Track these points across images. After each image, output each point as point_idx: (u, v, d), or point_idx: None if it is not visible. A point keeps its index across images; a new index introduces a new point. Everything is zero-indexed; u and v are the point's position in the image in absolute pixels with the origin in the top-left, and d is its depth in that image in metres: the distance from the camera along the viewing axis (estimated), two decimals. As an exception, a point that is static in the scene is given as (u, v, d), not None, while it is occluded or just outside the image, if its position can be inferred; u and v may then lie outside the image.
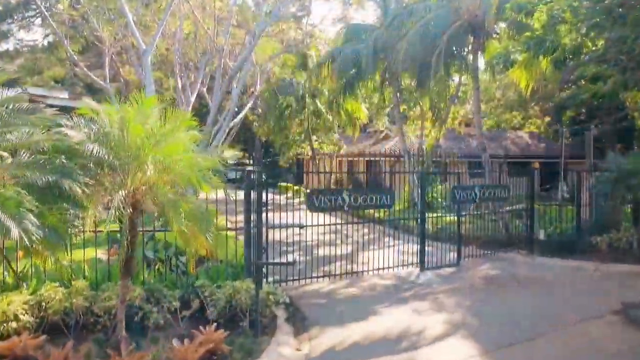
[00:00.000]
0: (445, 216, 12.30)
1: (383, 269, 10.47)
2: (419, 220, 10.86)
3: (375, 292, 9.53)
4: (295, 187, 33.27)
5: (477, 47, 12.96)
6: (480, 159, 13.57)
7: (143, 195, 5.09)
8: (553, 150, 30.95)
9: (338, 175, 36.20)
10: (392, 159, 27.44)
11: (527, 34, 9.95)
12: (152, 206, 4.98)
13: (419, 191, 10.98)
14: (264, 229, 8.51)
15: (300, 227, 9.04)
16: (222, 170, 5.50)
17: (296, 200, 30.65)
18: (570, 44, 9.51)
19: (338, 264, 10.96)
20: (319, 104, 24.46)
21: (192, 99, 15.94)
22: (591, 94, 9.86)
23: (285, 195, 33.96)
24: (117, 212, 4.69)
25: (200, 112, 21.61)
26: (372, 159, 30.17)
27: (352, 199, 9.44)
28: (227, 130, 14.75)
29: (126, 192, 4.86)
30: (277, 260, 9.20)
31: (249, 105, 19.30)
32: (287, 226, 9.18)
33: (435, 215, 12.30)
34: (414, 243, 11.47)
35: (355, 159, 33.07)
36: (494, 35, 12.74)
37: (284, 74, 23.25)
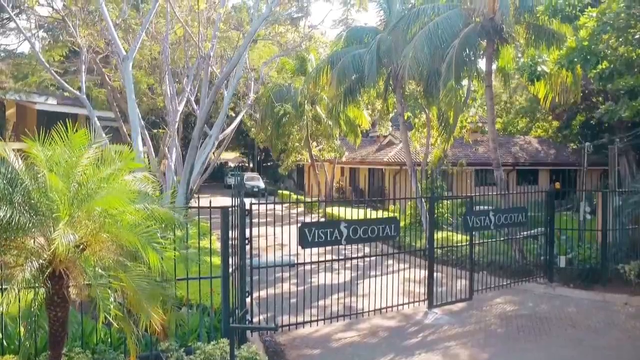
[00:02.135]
0: (455, 246, 11.00)
1: (386, 308, 9.21)
2: (426, 251, 9.59)
3: (376, 339, 8.29)
4: (295, 197, 32.12)
5: (490, 52, 11.68)
6: (490, 167, 12.46)
7: (71, 262, 3.86)
8: (563, 157, 29.67)
9: (340, 182, 35.07)
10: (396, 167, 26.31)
11: (570, 43, 8.59)
12: (81, 281, 3.75)
13: (427, 216, 9.72)
14: (247, 269, 7.30)
15: (291, 265, 7.82)
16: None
17: (294, 211, 29.55)
18: (625, 55, 8.17)
19: (335, 296, 9.76)
20: (319, 109, 23.22)
21: (180, 108, 14.74)
22: (634, 112, 8.62)
23: (283, 206, 32.92)
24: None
25: (190, 121, 20.44)
26: (374, 167, 28.95)
27: (350, 231, 8.20)
28: (215, 143, 13.52)
29: (43, 261, 3.62)
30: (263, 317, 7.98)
31: (242, 113, 18.03)
32: (275, 266, 7.95)
33: (444, 246, 11.00)
34: (420, 268, 10.20)
35: (357, 166, 31.86)
36: (510, 40, 11.48)
37: (281, 78, 22.02)
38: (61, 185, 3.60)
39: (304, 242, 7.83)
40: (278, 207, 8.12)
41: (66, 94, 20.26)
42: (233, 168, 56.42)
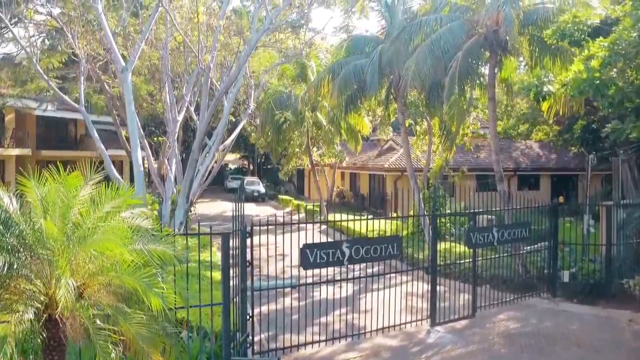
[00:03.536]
0: (458, 263, 10.86)
1: (388, 328, 9.08)
2: (429, 269, 9.47)
3: (379, 360, 8.17)
4: (296, 202, 31.98)
5: (494, 64, 11.55)
6: (491, 172, 12.32)
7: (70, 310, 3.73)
8: (564, 162, 29.56)
9: (341, 187, 34.93)
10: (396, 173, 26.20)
11: (577, 65, 8.40)
12: (78, 326, 3.62)
13: (430, 237, 9.59)
14: (248, 293, 7.18)
15: (293, 287, 7.71)
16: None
17: (296, 217, 29.41)
18: (636, 82, 8.00)
19: (337, 312, 9.65)
20: (319, 116, 23.09)
21: (180, 118, 14.60)
22: None
23: (284, 211, 32.80)
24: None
25: (190, 126, 20.29)
26: (375, 173, 28.83)
27: (352, 251, 8.09)
28: (215, 155, 13.39)
29: (40, 305, 3.51)
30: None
31: (243, 123, 17.90)
32: (276, 288, 7.83)
33: (447, 264, 10.86)
34: (422, 281, 10.06)
35: (358, 171, 31.74)
36: (513, 52, 11.35)
37: (282, 85, 21.87)
38: (57, 232, 3.47)
39: (305, 263, 7.71)
40: (279, 225, 7.96)
41: (66, 94, 20.13)
42: (233, 171, 56.22)
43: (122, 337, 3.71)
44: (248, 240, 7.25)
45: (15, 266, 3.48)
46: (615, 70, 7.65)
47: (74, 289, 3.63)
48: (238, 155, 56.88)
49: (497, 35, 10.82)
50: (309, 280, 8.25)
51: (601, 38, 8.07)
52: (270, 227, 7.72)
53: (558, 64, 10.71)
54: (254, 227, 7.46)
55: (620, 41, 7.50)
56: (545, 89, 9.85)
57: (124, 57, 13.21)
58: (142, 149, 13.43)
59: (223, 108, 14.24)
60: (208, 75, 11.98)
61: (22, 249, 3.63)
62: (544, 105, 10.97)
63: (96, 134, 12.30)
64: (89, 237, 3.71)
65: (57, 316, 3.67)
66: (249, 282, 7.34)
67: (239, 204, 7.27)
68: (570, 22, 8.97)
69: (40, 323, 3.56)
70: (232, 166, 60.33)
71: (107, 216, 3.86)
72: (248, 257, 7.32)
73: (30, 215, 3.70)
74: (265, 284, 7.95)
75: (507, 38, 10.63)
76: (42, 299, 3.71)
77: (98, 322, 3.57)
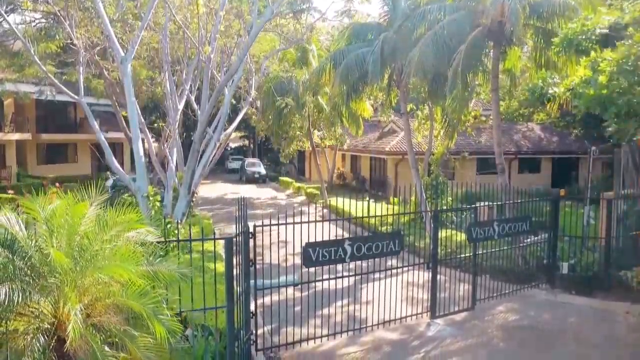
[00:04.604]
0: (458, 257, 10.90)
1: (389, 321, 9.23)
2: (430, 265, 9.57)
3: (379, 355, 8.32)
4: (297, 185, 32.03)
5: (497, 54, 11.41)
6: (492, 155, 12.30)
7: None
8: (566, 145, 29.47)
9: (341, 169, 34.93)
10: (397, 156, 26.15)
11: (586, 81, 8.26)
12: (86, 352, 3.70)
13: (431, 232, 9.66)
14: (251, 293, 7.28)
15: (295, 285, 7.81)
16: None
17: (297, 200, 29.41)
18: None
19: (339, 303, 9.79)
20: (320, 100, 22.92)
21: (180, 106, 14.49)
22: None
23: (285, 193, 32.69)
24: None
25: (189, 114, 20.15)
26: (376, 156, 28.78)
27: (354, 249, 8.17)
28: (217, 145, 13.35)
29: (49, 326, 3.59)
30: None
31: (244, 111, 17.77)
32: (279, 286, 7.94)
33: (447, 258, 10.91)
34: (423, 270, 10.13)
35: (359, 154, 31.68)
36: (518, 44, 11.19)
37: (282, 69, 21.63)
38: (65, 259, 3.51)
39: (307, 262, 7.80)
40: (282, 225, 8.01)
41: (65, 77, 19.91)
42: (234, 151, 56.00)
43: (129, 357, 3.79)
44: (251, 241, 7.34)
45: (26, 293, 3.53)
46: (622, 87, 7.54)
47: (82, 311, 3.70)
48: (239, 135, 56.63)
49: (502, 26, 10.65)
50: (312, 277, 8.34)
51: (609, 50, 7.94)
52: (273, 226, 7.76)
53: (563, 58, 10.58)
54: (257, 228, 7.52)
55: (627, 58, 7.38)
56: (550, 90, 9.76)
57: (122, 45, 13.04)
58: (141, 131, 13.33)
59: (224, 97, 14.13)
60: (209, 66, 11.85)
61: (33, 276, 3.67)
62: (548, 105, 10.87)
63: (96, 125, 12.24)
64: (95, 260, 3.76)
65: (65, 336, 3.75)
66: (252, 282, 7.45)
67: (242, 204, 7.31)
68: (579, 30, 8.82)
69: (51, 347, 3.63)
70: (232, 145, 60.05)
71: (113, 239, 3.89)
72: (251, 256, 7.40)
73: (37, 241, 3.73)
74: (268, 282, 8.04)
75: (512, 30, 10.48)
76: (51, 320, 3.78)
77: (106, 348, 3.64)
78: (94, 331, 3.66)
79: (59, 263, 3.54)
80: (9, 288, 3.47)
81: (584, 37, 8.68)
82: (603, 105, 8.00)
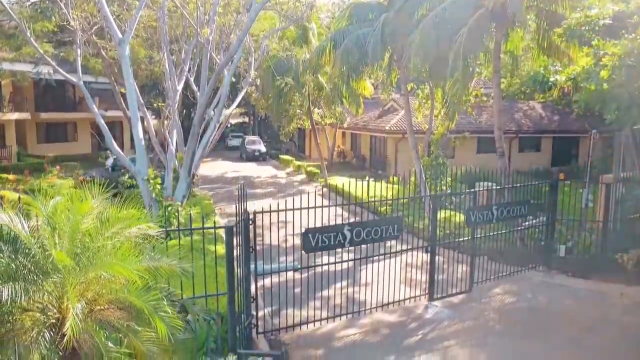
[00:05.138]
0: (457, 241, 10.97)
1: (388, 304, 9.40)
2: (428, 249, 9.68)
3: (378, 337, 8.52)
4: (297, 163, 32.03)
5: (500, 37, 11.28)
6: (492, 134, 12.28)
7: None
8: (567, 124, 29.34)
9: (341, 147, 34.86)
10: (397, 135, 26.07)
11: (587, 61, 8.12)
12: (90, 346, 3.80)
13: (430, 217, 9.73)
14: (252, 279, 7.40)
15: (295, 270, 7.94)
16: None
17: (297, 178, 29.44)
18: None
19: (338, 285, 9.95)
20: (320, 78, 22.73)
21: (180, 87, 14.40)
22: None
23: (285, 171, 32.65)
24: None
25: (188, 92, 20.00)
26: (376, 134, 28.70)
27: (354, 234, 8.26)
28: (217, 126, 13.33)
29: (54, 321, 3.69)
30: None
31: (244, 91, 17.64)
32: (279, 271, 8.06)
33: (446, 241, 10.97)
34: (422, 251, 10.21)
35: (359, 132, 31.57)
36: (520, 26, 11.03)
37: (282, 48, 21.38)
38: (67, 259, 3.57)
39: (307, 247, 7.90)
40: (282, 212, 8.08)
41: (62, 54, 19.72)
42: (234, 128, 55.62)
43: (133, 352, 3.90)
44: (251, 227, 7.43)
45: (30, 291, 3.61)
46: (623, 80, 7.47)
47: (85, 306, 3.79)
48: (239, 111, 56.23)
49: (505, 8, 10.50)
50: (311, 263, 8.45)
51: (612, 42, 7.83)
52: (272, 213, 7.83)
53: (566, 42, 10.44)
54: (257, 215, 7.59)
55: (630, 53, 7.28)
56: (552, 78, 9.68)
57: (120, 25, 12.88)
58: (140, 110, 13.26)
59: (223, 77, 14.03)
60: (208, 48, 11.72)
61: (37, 272, 3.74)
62: (549, 92, 10.80)
63: (96, 109, 12.20)
64: (97, 258, 3.83)
65: (65, 332, 3.85)
66: (252, 267, 7.57)
67: (242, 191, 7.37)
68: (583, 21, 8.68)
69: (56, 342, 3.73)
70: (232, 121, 59.64)
71: (114, 235, 3.95)
72: (251, 244, 7.50)
73: (40, 238, 3.79)
74: (268, 267, 8.16)
75: (515, 12, 10.32)
76: (56, 315, 3.87)
77: (110, 344, 3.74)
78: (96, 327, 3.75)
79: (62, 264, 3.61)
80: (12, 285, 3.55)
81: (587, 27, 8.56)
82: (603, 101, 7.94)
